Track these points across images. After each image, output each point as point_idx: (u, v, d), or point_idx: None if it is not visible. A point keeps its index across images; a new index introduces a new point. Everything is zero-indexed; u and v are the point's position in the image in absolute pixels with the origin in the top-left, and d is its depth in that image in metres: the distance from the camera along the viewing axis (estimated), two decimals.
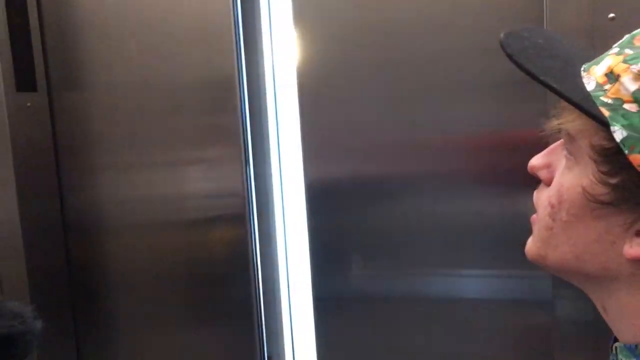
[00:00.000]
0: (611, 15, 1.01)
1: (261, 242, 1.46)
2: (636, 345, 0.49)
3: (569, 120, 0.48)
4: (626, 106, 0.44)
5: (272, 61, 1.47)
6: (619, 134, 0.44)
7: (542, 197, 0.53)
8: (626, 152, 0.44)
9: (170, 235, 1.50)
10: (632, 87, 0.44)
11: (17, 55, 1.41)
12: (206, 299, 1.49)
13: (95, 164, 1.51)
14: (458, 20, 1.20)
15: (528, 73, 0.46)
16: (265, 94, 1.46)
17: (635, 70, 0.44)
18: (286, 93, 1.48)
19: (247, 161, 1.41)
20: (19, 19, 1.41)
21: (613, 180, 0.45)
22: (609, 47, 0.50)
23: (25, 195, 1.46)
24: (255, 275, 1.44)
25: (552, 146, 0.54)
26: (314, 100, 1.32)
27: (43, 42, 1.46)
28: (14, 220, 1.45)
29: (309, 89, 1.32)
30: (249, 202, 1.42)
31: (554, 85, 0.46)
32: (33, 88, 1.45)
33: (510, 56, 0.48)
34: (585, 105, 0.45)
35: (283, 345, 1.53)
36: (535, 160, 0.55)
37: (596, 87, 0.46)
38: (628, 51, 0.46)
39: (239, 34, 1.38)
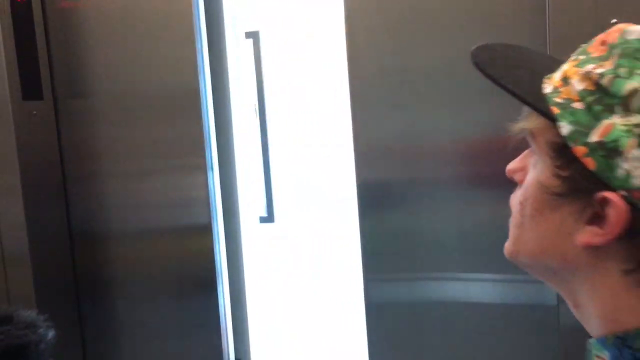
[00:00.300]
0: (614, 20, 1.01)
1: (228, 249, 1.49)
2: (606, 337, 0.50)
3: (531, 121, 0.52)
4: (574, 104, 0.49)
5: (238, 69, 1.48)
6: (565, 129, 0.48)
7: (515, 198, 0.57)
8: (571, 145, 0.48)
9: (170, 241, 1.51)
10: (579, 87, 0.49)
11: (24, 65, 1.43)
12: (180, 303, 1.51)
13: (101, 171, 1.51)
14: (464, 26, 1.21)
15: (488, 77, 0.51)
16: (230, 102, 1.47)
17: (582, 72, 0.49)
18: (251, 102, 1.50)
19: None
20: (25, 29, 1.42)
21: (564, 173, 0.50)
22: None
23: (31, 202, 1.47)
24: (221, 280, 1.46)
25: (526, 151, 0.57)
26: (366, 102, 1.31)
27: (49, 52, 1.47)
28: (21, 227, 1.46)
29: (360, 91, 1.30)
30: (213, 210, 1.44)
31: (510, 87, 0.50)
32: (39, 97, 1.46)
33: (476, 64, 0.52)
34: (537, 105, 0.50)
35: (249, 348, 1.57)
36: (512, 165, 0.59)
37: (552, 90, 0.51)
38: (581, 57, 0.51)
39: (202, 42, 1.40)
